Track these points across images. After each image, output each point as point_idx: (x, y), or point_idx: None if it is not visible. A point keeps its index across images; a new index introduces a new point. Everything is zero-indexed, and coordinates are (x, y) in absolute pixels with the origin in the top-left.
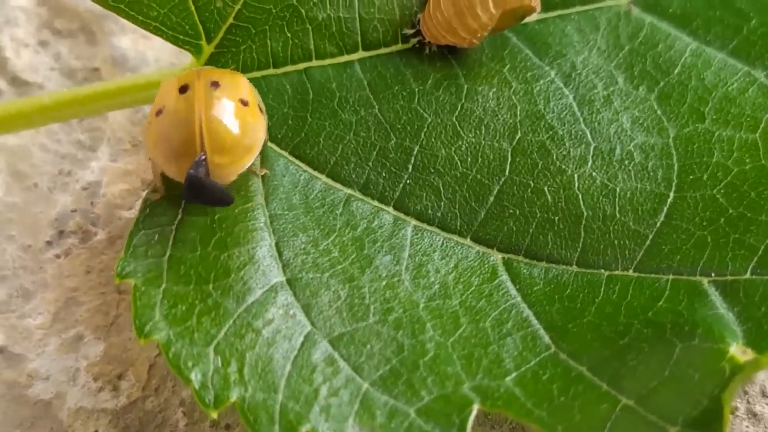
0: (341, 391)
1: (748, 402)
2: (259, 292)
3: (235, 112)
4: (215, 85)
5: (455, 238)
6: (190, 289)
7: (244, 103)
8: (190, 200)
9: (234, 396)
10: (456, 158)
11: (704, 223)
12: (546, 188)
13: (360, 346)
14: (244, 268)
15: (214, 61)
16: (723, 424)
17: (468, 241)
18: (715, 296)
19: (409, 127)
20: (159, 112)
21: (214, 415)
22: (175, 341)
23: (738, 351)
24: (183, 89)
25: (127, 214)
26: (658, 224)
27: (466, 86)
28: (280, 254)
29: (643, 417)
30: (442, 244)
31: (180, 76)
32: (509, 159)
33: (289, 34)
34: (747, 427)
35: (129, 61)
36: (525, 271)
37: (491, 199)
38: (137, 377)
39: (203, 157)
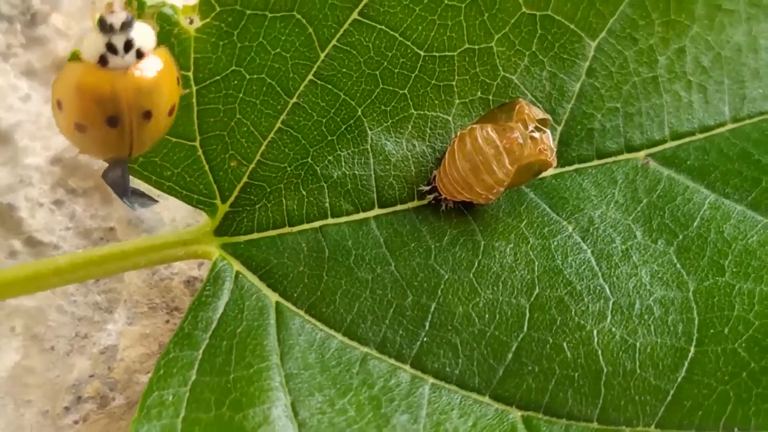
0: None
1: None
2: None
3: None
4: (147, 116)
5: (474, 395)
6: None
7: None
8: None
9: None
10: (473, 315)
11: (726, 378)
12: (565, 344)
13: None
14: (259, 428)
15: (229, 219)
16: None
17: (487, 399)
18: None
19: (426, 284)
20: (81, 129)
21: None
22: None
23: None
24: (112, 121)
25: (145, 378)
26: (680, 379)
27: (483, 242)
28: (296, 414)
29: None
30: (461, 402)
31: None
32: (527, 315)
33: (304, 192)
34: None
35: (144, 221)
36: (545, 428)
37: (510, 356)
38: None
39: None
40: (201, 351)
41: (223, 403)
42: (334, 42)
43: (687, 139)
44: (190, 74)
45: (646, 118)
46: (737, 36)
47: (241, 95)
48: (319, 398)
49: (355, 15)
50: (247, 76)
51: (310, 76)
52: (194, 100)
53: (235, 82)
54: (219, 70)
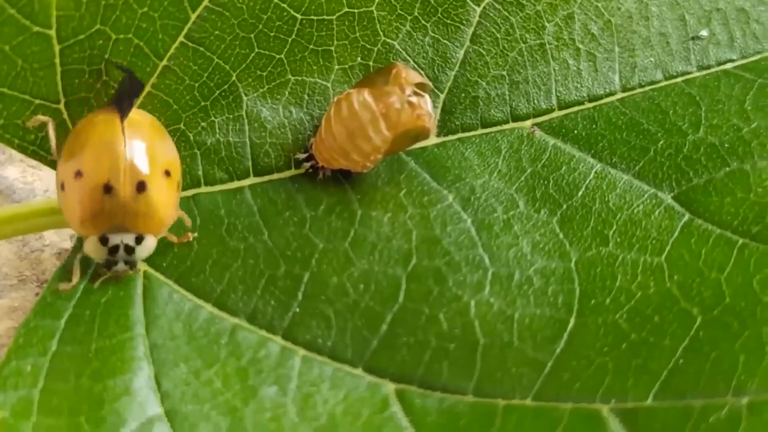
0: None
1: None
2: (135, 424)
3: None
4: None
5: (346, 368)
6: (62, 421)
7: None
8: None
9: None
10: (348, 285)
11: (605, 349)
12: (441, 315)
13: None
14: (119, 399)
15: None
16: None
17: (359, 372)
18: (614, 424)
19: (299, 254)
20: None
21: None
22: None
23: None
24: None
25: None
26: (558, 351)
27: (359, 211)
28: (159, 385)
29: None
30: (333, 374)
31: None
32: (403, 286)
33: None
34: None
35: (16, 192)
36: (418, 401)
37: (384, 327)
38: None
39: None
40: (63, 321)
41: (83, 373)
42: (205, 2)
43: (575, 108)
44: (53, 32)
45: (533, 87)
46: (628, 3)
47: (107, 56)
48: (185, 369)
49: None
50: (113, 36)
51: (180, 38)
52: (57, 60)
53: (101, 42)
54: (83, 29)
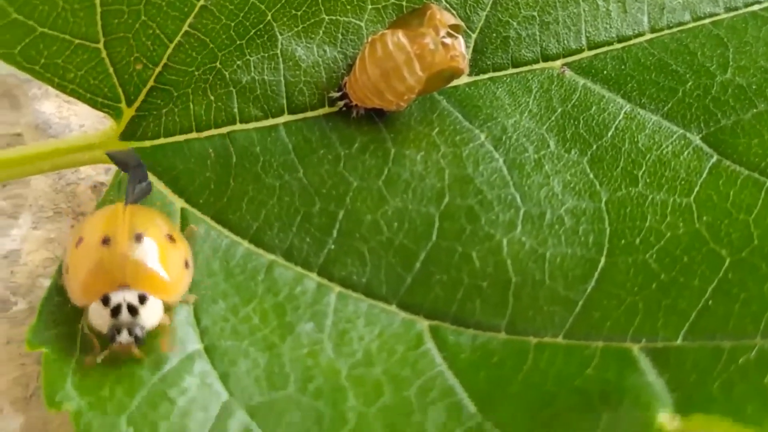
0: None
1: None
2: (175, 360)
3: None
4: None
5: (381, 304)
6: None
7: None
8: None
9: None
10: (382, 223)
11: (636, 289)
12: (474, 253)
13: (278, 416)
14: (159, 336)
15: (134, 123)
16: None
17: (394, 308)
18: (645, 363)
19: (334, 192)
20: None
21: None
22: (86, 411)
23: (666, 419)
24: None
25: (49, 284)
26: (589, 290)
27: (393, 150)
28: (198, 321)
29: None
30: (367, 311)
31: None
32: (436, 224)
33: (212, 97)
34: None
35: (52, 126)
36: (452, 338)
37: (418, 264)
38: None
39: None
40: None
41: None
42: None
43: (604, 49)
44: None
45: (563, 27)
46: None
47: None
48: (223, 305)
49: None
50: None
51: None
52: (97, 1)
53: None
54: None
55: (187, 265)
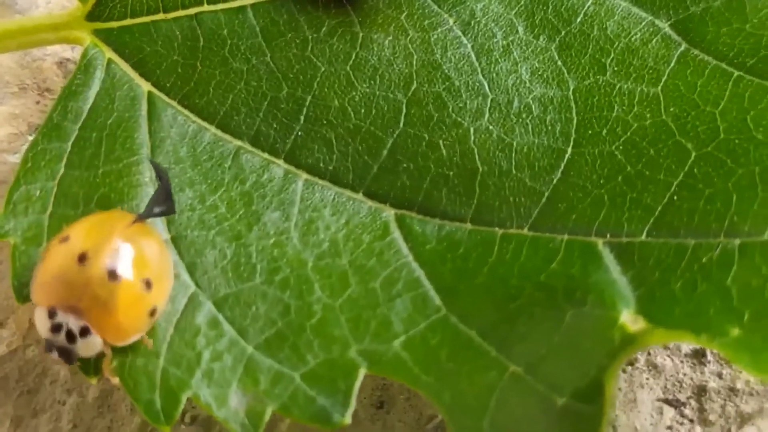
0: (225, 355)
1: (649, 354)
2: None
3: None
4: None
5: (347, 192)
6: None
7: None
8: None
9: (114, 361)
10: (349, 109)
11: (601, 181)
12: (441, 142)
13: (245, 307)
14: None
15: (101, 4)
16: (605, 401)
17: (360, 196)
18: (609, 259)
19: (301, 77)
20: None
21: (94, 381)
22: None
23: (629, 319)
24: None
25: (13, 159)
26: (555, 181)
27: (361, 34)
28: None
29: (531, 386)
30: (334, 199)
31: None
32: (404, 111)
33: None
34: (647, 379)
35: (18, 3)
36: (418, 228)
37: (385, 152)
38: (18, 326)
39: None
40: (70, 143)
41: (91, 198)
42: None
43: None
44: None
45: None
46: None
47: None
48: (190, 194)
49: None
50: None
51: None
52: None
53: None
54: None
55: (152, 313)
